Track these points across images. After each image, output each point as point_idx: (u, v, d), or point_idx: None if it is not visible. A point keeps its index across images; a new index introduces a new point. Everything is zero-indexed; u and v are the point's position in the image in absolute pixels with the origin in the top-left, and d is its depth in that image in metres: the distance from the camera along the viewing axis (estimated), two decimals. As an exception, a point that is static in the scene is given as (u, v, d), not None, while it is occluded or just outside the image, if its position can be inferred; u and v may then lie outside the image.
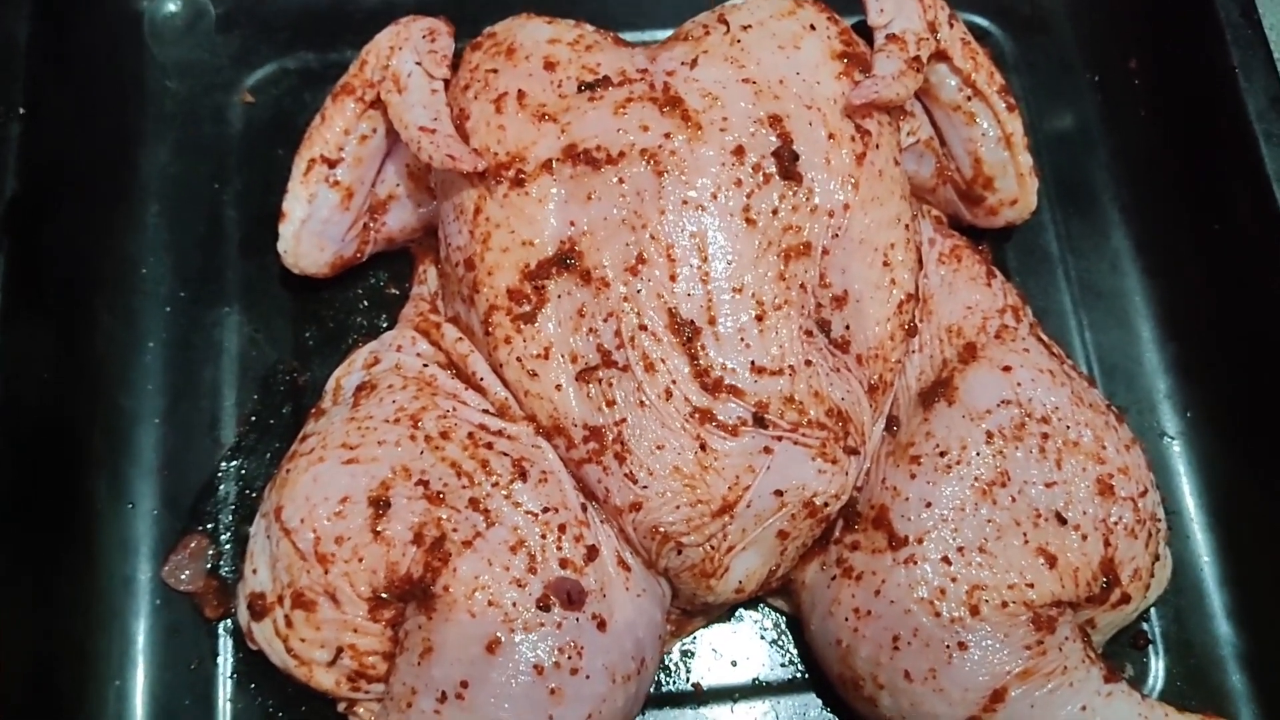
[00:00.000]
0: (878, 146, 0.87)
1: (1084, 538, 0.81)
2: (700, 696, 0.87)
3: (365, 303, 0.97)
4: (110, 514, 0.88)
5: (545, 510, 0.79)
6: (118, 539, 0.88)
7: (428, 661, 0.76)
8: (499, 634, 0.75)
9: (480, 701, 0.75)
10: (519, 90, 0.87)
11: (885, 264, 0.86)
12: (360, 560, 0.78)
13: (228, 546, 0.89)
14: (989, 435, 0.83)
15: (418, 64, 0.91)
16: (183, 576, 0.88)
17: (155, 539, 0.89)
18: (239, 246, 0.98)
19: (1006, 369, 0.86)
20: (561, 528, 0.79)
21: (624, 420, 0.81)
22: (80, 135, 0.93)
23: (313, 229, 0.92)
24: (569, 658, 0.76)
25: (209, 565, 0.88)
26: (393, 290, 0.97)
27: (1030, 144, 0.95)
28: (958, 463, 0.82)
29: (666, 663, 0.88)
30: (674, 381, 0.81)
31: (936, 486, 0.82)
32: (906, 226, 0.87)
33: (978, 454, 0.82)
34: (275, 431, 0.91)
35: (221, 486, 0.91)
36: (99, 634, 0.85)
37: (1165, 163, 1.01)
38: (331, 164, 0.91)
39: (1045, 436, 0.83)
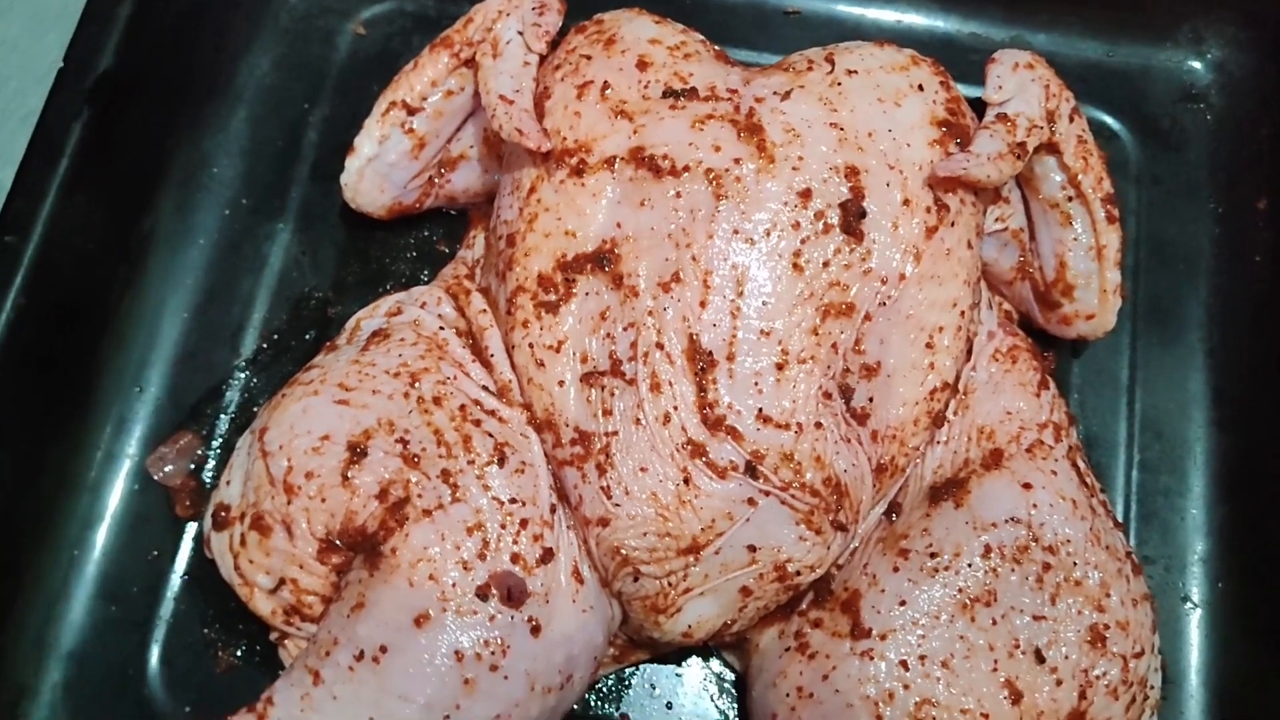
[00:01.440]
0: (953, 224, 0.82)
1: (1058, 683, 0.76)
2: (631, 734, 0.85)
3: (413, 253, 0.97)
4: (117, 390, 0.90)
5: (513, 501, 0.78)
6: (117, 415, 0.90)
7: (356, 617, 0.75)
8: (430, 610, 0.74)
9: (393, 670, 0.73)
10: (605, 82, 0.85)
11: (929, 345, 0.81)
12: (323, 500, 0.78)
13: (216, 452, 0.90)
14: (987, 549, 0.78)
15: (519, 33, 0.90)
16: (166, 469, 0.89)
17: (151, 426, 0.90)
18: (310, 169, 0.99)
19: (1027, 486, 0.80)
20: (524, 522, 0.77)
21: (615, 433, 0.78)
22: (188, 28, 0.96)
23: (377, 169, 0.92)
24: (492, 653, 0.74)
25: (192, 465, 0.89)
26: (442, 248, 0.97)
27: (1124, 262, 0.88)
28: (946, 568, 0.77)
29: (601, 685, 0.86)
30: (675, 408, 0.78)
31: (916, 586, 0.77)
32: (962, 314, 0.83)
33: (969, 565, 0.77)
34: (292, 354, 0.92)
35: (227, 394, 0.92)
36: (71, 500, 0.87)
37: (1269, 317, 0.94)
38: (411, 111, 0.91)
39: (1047, 567, 0.78)
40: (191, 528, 0.87)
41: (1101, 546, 0.80)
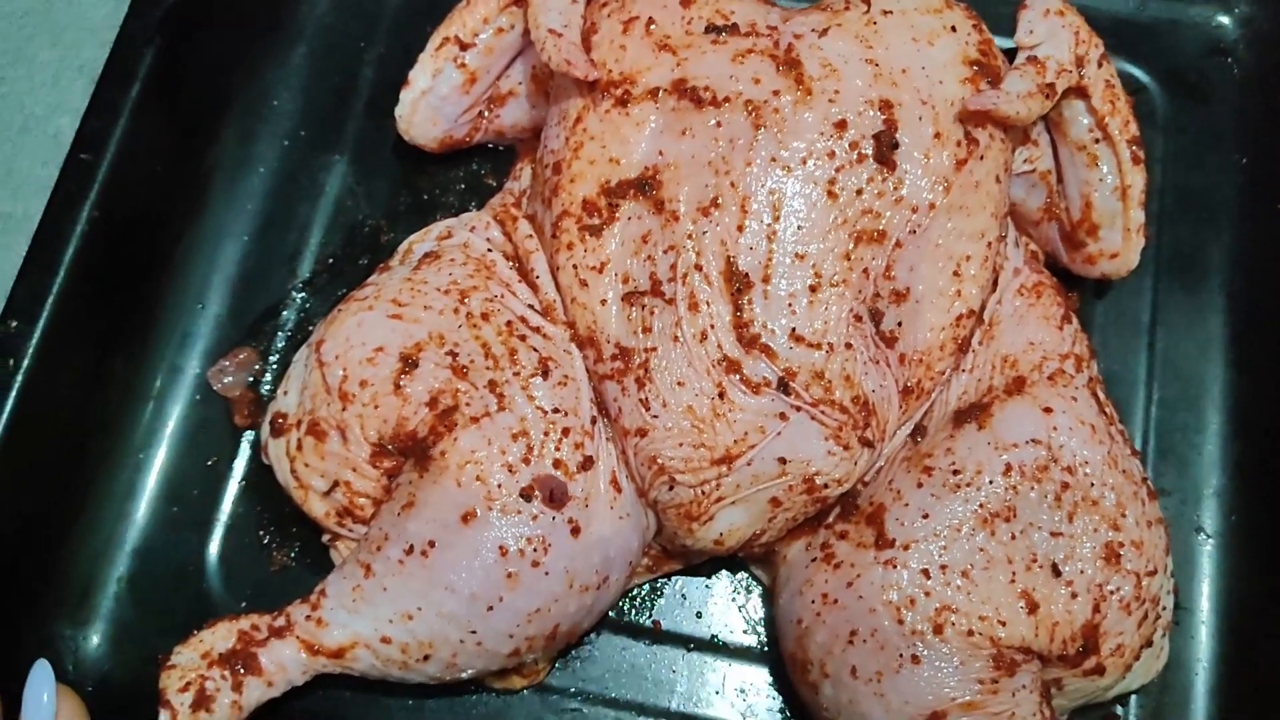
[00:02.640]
0: (981, 158, 0.85)
1: (1073, 595, 0.79)
2: (657, 635, 0.88)
3: (462, 185, 1.01)
4: (180, 308, 0.95)
5: (555, 410, 0.82)
6: (180, 331, 0.94)
7: (407, 515, 0.80)
8: (477, 508, 0.78)
9: (441, 563, 0.78)
10: (649, 18, 0.89)
11: (955, 274, 0.85)
12: (376, 407, 0.82)
13: (273, 367, 0.94)
14: (1008, 468, 0.81)
15: (571, -29, 0.94)
16: (226, 380, 0.94)
17: (212, 342, 0.95)
18: (365, 104, 1.03)
19: (1048, 410, 0.83)
20: (565, 431, 0.81)
21: (654, 349, 0.82)
22: (252, -34, 1.01)
23: (430, 102, 0.96)
24: (534, 549, 0.78)
25: (250, 379, 0.94)
26: (490, 181, 1.01)
27: (1148, 204, 0.91)
28: (968, 485, 0.81)
29: (635, 593, 0.90)
30: (712, 326, 0.82)
31: (939, 501, 0.81)
32: (989, 245, 0.86)
33: (990, 482, 0.81)
34: (346, 277, 0.96)
35: (284, 313, 0.96)
36: (137, 410, 0.92)
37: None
38: (464, 46, 0.95)
39: (1065, 486, 0.81)
40: (249, 436, 0.92)
41: (1118, 470, 0.83)
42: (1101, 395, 0.88)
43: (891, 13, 0.88)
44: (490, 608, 0.78)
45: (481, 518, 0.78)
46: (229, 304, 0.96)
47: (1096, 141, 0.93)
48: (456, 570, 0.78)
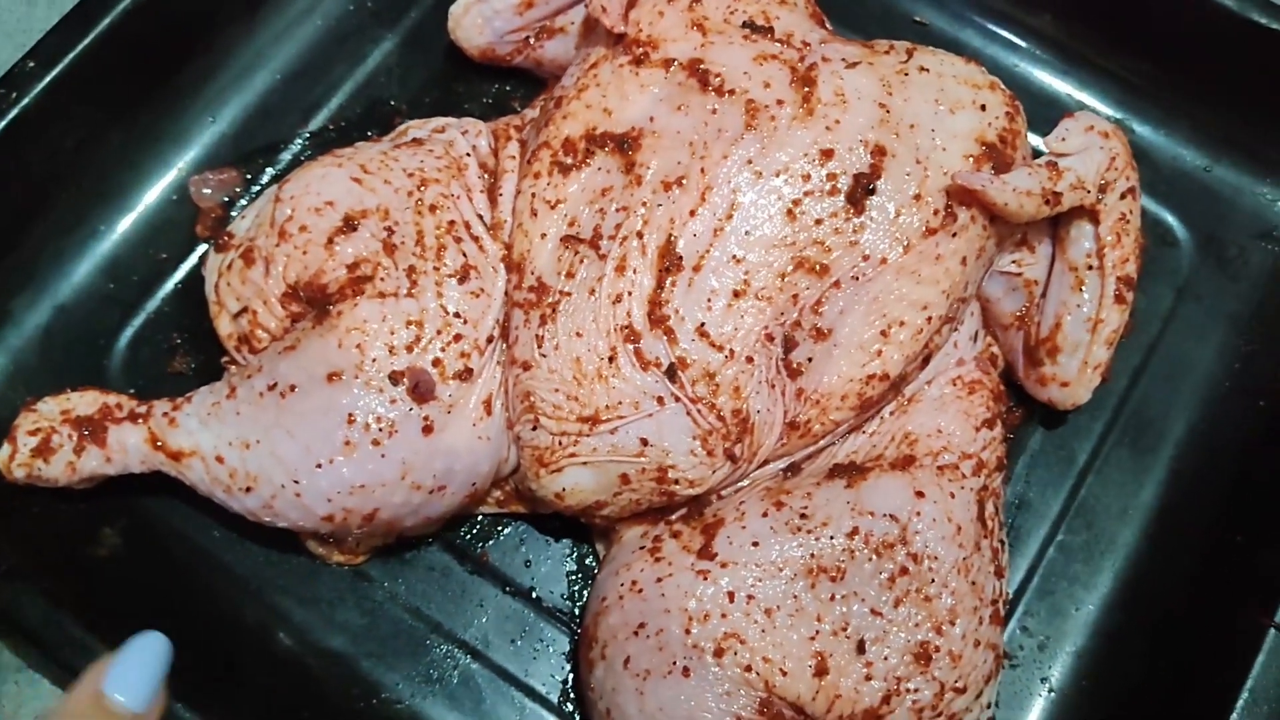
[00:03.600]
0: (954, 235, 0.84)
1: (868, 678, 0.77)
2: (480, 566, 0.89)
3: (488, 99, 1.04)
4: (191, 112, 1.00)
5: (457, 315, 0.83)
6: (183, 131, 1.00)
7: (285, 355, 0.82)
8: (344, 372, 0.80)
9: (292, 408, 0.80)
10: (697, 0, 0.90)
11: (883, 334, 0.83)
12: (305, 253, 0.85)
13: (250, 194, 0.99)
14: (854, 531, 0.79)
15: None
16: (204, 192, 0.98)
17: (207, 153, 1.00)
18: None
19: (920, 494, 0.81)
20: (458, 337, 0.83)
21: (569, 294, 0.83)
22: None
23: (482, 11, 0.99)
24: (379, 430, 0.80)
25: (226, 198, 0.99)
26: (515, 104, 1.04)
27: (1116, 345, 0.89)
28: (809, 532, 0.79)
29: (478, 521, 0.91)
30: (630, 293, 0.82)
31: (775, 535, 0.79)
32: (929, 320, 0.84)
33: (832, 538, 0.79)
34: (348, 141, 0.98)
35: (282, 153, 1.01)
36: (114, 183, 0.97)
37: (1249, 468, 0.92)
38: (531, -33, 0.98)
39: (904, 571, 0.79)
40: (201, 248, 0.96)
41: (967, 579, 0.80)
42: (991, 508, 0.85)
43: (928, 70, 0.88)
44: (319, 465, 0.80)
45: (344, 382, 0.80)
46: (236, 126, 1.01)
47: (1090, 268, 0.90)
48: (302, 419, 0.80)
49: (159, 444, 0.83)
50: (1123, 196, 0.90)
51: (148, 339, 0.94)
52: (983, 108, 0.87)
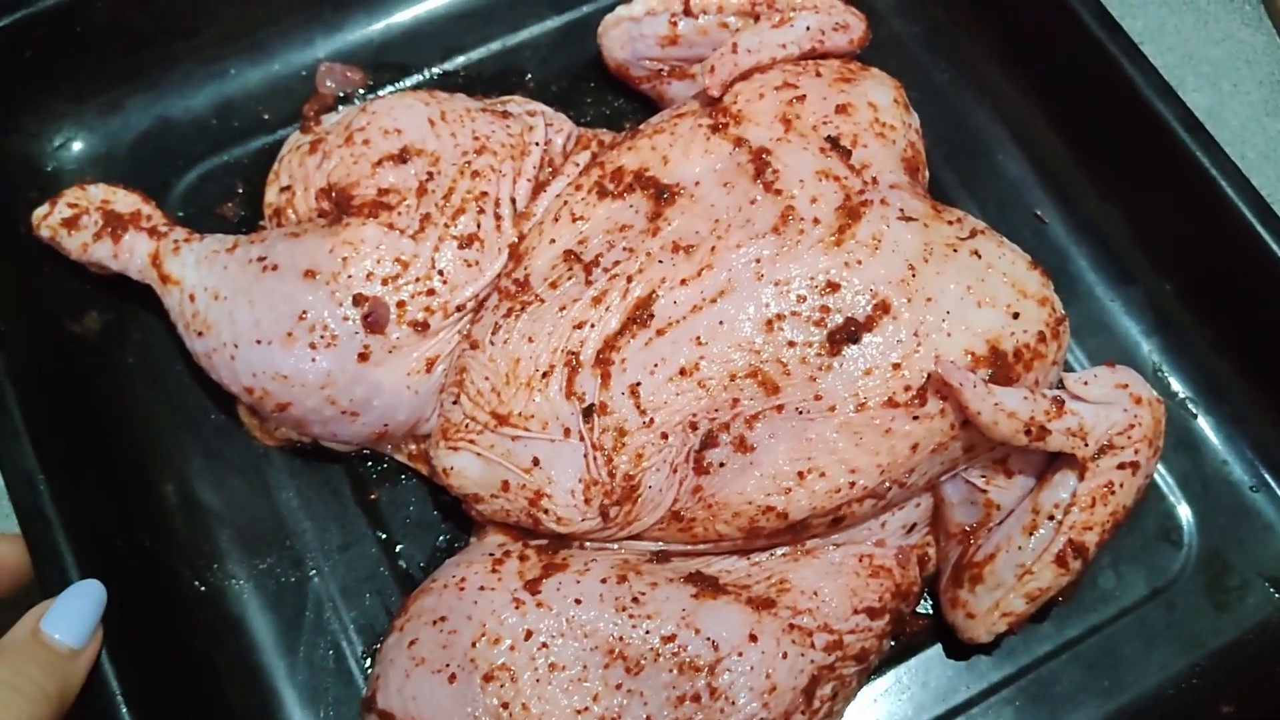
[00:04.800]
0: (914, 418, 0.81)
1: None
2: (367, 502, 0.93)
3: (606, 110, 1.08)
4: (352, 8, 1.08)
5: (441, 274, 0.87)
6: (338, 24, 1.08)
7: (287, 239, 0.89)
8: (319, 274, 0.86)
9: (263, 283, 0.87)
10: (804, 96, 0.91)
11: (800, 475, 0.81)
12: (355, 162, 0.91)
13: (362, 104, 1.05)
14: (670, 638, 0.78)
15: (808, 27, 0.96)
16: (328, 82, 1.06)
17: (348, 50, 1.08)
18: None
19: (753, 637, 0.79)
20: (431, 292, 0.87)
21: (543, 301, 0.86)
22: None
23: (630, 31, 1.02)
24: (321, 337, 0.85)
25: (342, 95, 1.06)
26: (625, 125, 1.05)
27: (1043, 608, 0.83)
28: (631, 616, 0.78)
29: (382, 461, 0.94)
30: (592, 325, 0.84)
31: (600, 605, 0.79)
32: (853, 485, 0.81)
33: (647, 632, 0.78)
34: (469, 92, 1.01)
35: (410, 79, 1.08)
36: (255, 45, 1.06)
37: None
38: (688, 12, 0.99)
39: (696, 698, 0.77)
40: (296, 126, 1.03)
41: (755, 742, 0.78)
42: (828, 690, 0.82)
43: (979, 256, 0.85)
44: (259, 341, 0.86)
45: (315, 283, 0.86)
46: (385, 38, 1.08)
47: (1050, 518, 0.84)
48: (265, 296, 0.86)
49: (157, 262, 0.91)
50: (1121, 466, 0.84)
51: (218, 178, 1.03)
52: (1015, 315, 0.84)
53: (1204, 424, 0.97)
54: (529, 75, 1.09)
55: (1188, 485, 0.95)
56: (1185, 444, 0.95)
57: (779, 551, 0.86)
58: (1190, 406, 0.98)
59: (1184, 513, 0.94)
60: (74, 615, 0.76)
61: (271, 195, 0.96)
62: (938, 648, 0.90)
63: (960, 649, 0.89)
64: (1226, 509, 0.94)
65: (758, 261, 0.84)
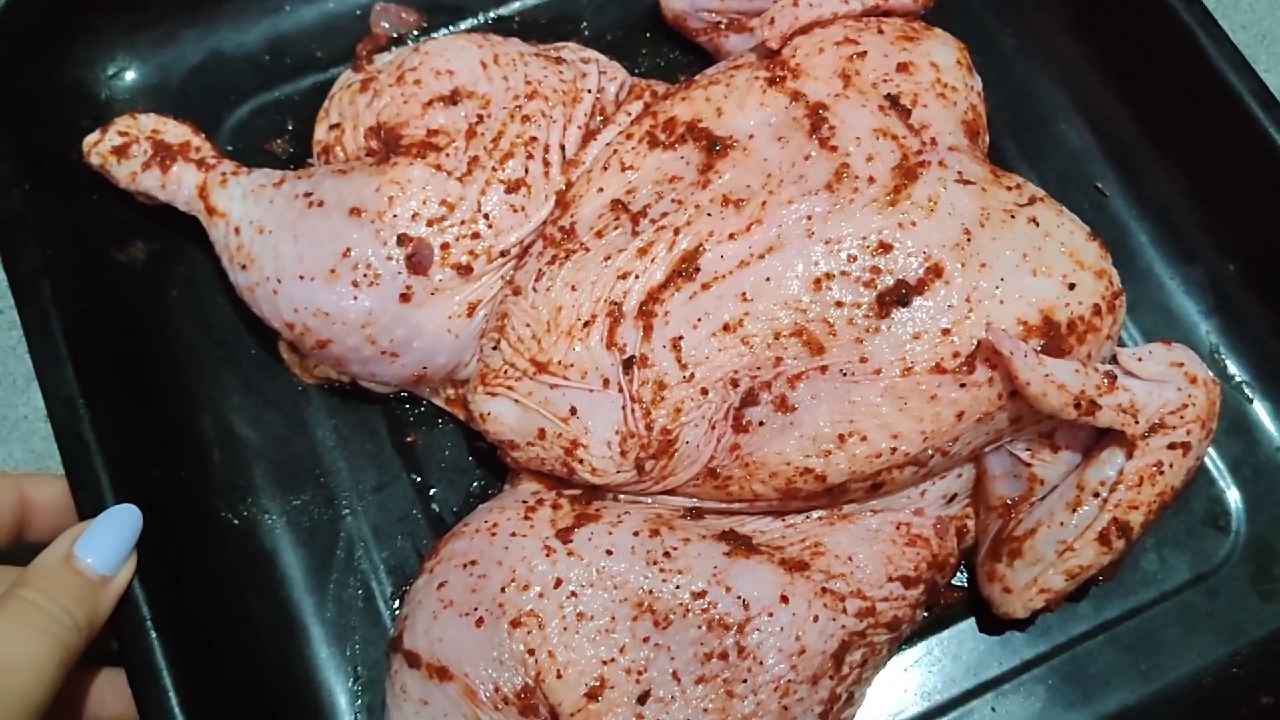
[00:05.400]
0: (961, 385, 0.79)
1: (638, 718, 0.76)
2: (403, 445, 0.93)
3: (660, 61, 1.06)
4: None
5: (486, 218, 0.86)
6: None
7: (335, 176, 0.88)
8: (365, 212, 0.85)
9: (309, 220, 0.86)
10: (865, 53, 0.88)
11: (841, 438, 0.80)
12: (405, 102, 0.90)
13: (415, 45, 1.04)
14: (701, 594, 0.77)
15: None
16: (382, 24, 1.05)
17: (403, -9, 1.07)
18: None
19: (784, 599, 0.78)
20: (476, 235, 0.86)
21: (588, 250, 0.85)
22: None
23: (691, -16, 1.01)
24: (364, 275, 0.84)
25: (396, 35, 1.05)
26: (680, 77, 1.02)
27: (1082, 587, 0.82)
28: (661, 570, 0.78)
29: (420, 405, 0.94)
30: (637, 276, 0.83)
31: (631, 557, 0.78)
32: (894, 450, 0.80)
33: (677, 588, 0.77)
34: (524, 37, 0.99)
35: (465, 22, 1.06)
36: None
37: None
38: (748, -39, 0.99)
39: (723, 656, 0.76)
40: (348, 64, 1.02)
41: (780, 702, 0.77)
42: (857, 656, 0.81)
43: (1037, 224, 0.83)
44: (301, 276, 0.85)
45: (360, 221, 0.85)
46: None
47: (1095, 495, 0.82)
48: (310, 232, 0.86)
49: (204, 193, 0.91)
50: (1171, 446, 0.82)
51: (267, 113, 1.02)
52: (1071, 286, 0.82)
53: (1260, 409, 0.94)
54: (584, 23, 1.07)
55: (1239, 471, 0.92)
56: (1239, 428, 0.93)
57: (815, 515, 0.85)
58: (1247, 390, 0.95)
59: (1233, 498, 0.92)
60: (108, 541, 0.76)
61: (321, 132, 0.96)
62: (971, 621, 0.89)
63: (994, 624, 0.88)
64: (1278, 497, 0.92)
65: (809, 219, 0.82)
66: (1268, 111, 0.90)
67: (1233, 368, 0.96)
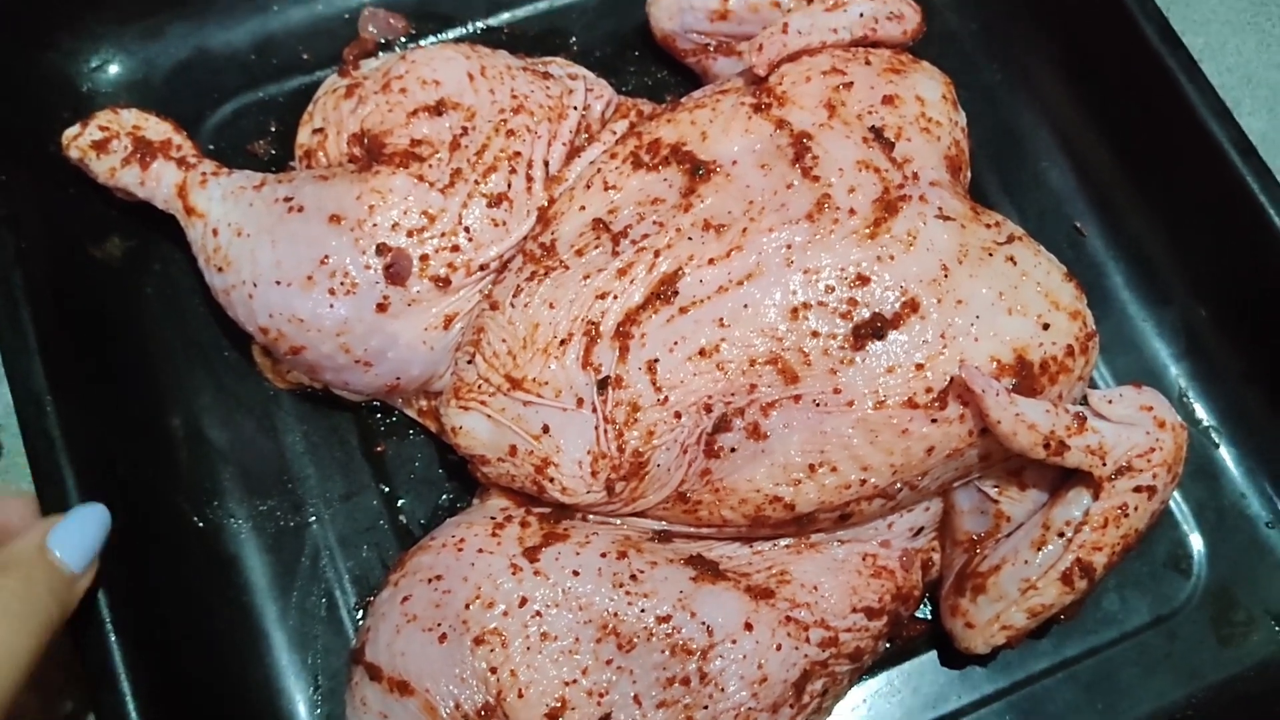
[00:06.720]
0: (933, 421, 0.79)
1: (589, 755, 0.75)
2: (373, 454, 0.92)
3: (648, 80, 1.06)
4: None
5: (467, 231, 0.86)
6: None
7: (314, 181, 0.88)
8: (344, 219, 0.84)
9: (287, 224, 0.85)
10: (853, 83, 0.89)
11: (811, 468, 0.80)
12: (389, 110, 0.90)
13: (404, 51, 1.04)
14: (665, 618, 0.77)
15: (862, 14, 0.94)
16: (370, 27, 1.05)
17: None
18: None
19: (749, 626, 0.78)
20: (455, 248, 0.86)
21: (567, 267, 0.85)
22: None
23: (680, 1, 1.00)
24: (340, 283, 0.84)
25: (384, 41, 1.04)
26: (667, 97, 1.03)
27: (1043, 624, 0.82)
28: (628, 594, 0.78)
29: (393, 415, 0.93)
30: (615, 297, 0.83)
31: (598, 579, 0.78)
32: (863, 483, 0.80)
33: (641, 611, 0.77)
34: (511, 50, 0.99)
35: (453, 31, 1.06)
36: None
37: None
38: (740, -15, 0.99)
39: (685, 681, 0.76)
40: (334, 68, 1.01)
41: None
42: (818, 686, 0.81)
43: (1014, 263, 0.83)
44: (278, 282, 0.85)
45: (339, 228, 0.85)
46: (427, -3, 1.07)
47: (1060, 535, 0.83)
48: (288, 237, 0.85)
49: (183, 193, 0.90)
50: (1137, 490, 0.82)
51: (250, 114, 1.02)
52: (1045, 326, 0.82)
53: (1225, 454, 0.96)
54: (573, 38, 1.07)
55: (1203, 515, 0.93)
56: (1204, 473, 0.94)
57: (782, 543, 0.85)
58: (1213, 435, 0.96)
59: (1196, 542, 0.93)
60: (78, 537, 0.75)
61: (304, 136, 0.95)
62: (933, 654, 0.89)
63: (955, 658, 0.88)
64: (1240, 543, 0.93)
65: (789, 247, 0.82)
66: (1245, 159, 0.91)
67: (1201, 412, 0.97)
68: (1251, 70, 1.19)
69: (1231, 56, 1.20)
